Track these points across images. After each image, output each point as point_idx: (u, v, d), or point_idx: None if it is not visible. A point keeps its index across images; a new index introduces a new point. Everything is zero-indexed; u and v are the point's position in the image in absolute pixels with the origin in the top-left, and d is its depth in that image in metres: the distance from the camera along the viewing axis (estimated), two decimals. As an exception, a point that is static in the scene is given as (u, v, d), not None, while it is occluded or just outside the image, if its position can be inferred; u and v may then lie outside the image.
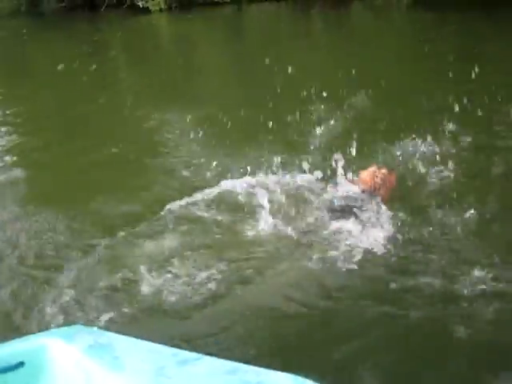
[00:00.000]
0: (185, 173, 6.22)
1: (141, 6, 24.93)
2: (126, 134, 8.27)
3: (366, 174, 4.61)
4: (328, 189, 4.72)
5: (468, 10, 16.87)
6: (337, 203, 4.44)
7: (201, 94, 10.28)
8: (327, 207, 4.53)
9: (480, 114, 6.22)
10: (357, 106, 7.51)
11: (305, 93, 7.43)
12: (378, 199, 4.45)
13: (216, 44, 17.97)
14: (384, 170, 4.71)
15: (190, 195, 5.28)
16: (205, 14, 23.85)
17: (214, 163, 5.97)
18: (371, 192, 4.47)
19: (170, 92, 10.72)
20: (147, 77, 12.92)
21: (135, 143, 7.16)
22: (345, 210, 4.32)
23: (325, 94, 7.07)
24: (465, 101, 6.28)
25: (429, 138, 5.86)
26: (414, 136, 5.99)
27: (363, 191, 4.47)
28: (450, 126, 6.20)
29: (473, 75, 7.08)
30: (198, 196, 5.23)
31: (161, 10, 24.43)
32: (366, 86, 8.09)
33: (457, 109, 6.04)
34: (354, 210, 4.29)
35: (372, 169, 4.65)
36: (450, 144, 5.98)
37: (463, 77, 7.71)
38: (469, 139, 6.20)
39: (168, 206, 5.19)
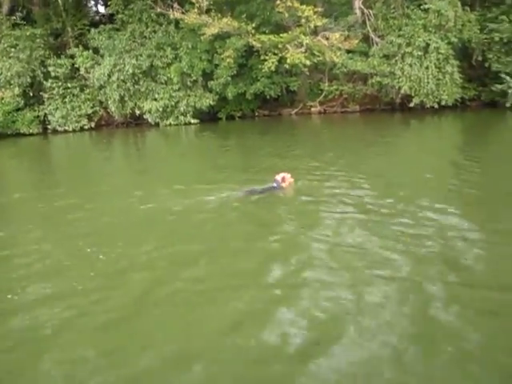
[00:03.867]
0: None
1: None
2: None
3: (280, 174, 9.83)
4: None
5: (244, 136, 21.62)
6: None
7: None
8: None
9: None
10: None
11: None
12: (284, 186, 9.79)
13: (20, 169, 18.71)
14: (289, 174, 9.93)
15: None
16: (10, 144, 25.04)
17: None
18: (281, 182, 9.72)
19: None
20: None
21: None
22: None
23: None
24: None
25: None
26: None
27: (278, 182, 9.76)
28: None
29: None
30: None
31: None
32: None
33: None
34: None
35: (284, 173, 9.91)
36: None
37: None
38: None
39: None
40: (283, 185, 9.69)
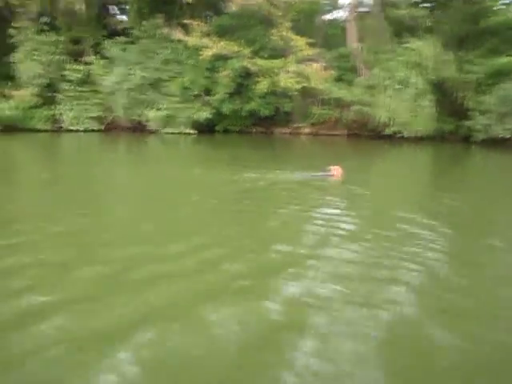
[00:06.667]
0: None
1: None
2: None
3: (332, 167, 13.66)
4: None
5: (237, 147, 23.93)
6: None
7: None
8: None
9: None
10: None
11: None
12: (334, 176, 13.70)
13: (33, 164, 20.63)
14: (338, 167, 13.65)
15: None
16: (26, 138, 27.64)
17: None
18: (333, 173, 13.63)
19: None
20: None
21: None
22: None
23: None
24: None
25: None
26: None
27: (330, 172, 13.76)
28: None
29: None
30: None
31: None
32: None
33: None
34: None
35: (335, 166, 13.70)
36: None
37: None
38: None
39: None
40: (335, 173, 13.43)
